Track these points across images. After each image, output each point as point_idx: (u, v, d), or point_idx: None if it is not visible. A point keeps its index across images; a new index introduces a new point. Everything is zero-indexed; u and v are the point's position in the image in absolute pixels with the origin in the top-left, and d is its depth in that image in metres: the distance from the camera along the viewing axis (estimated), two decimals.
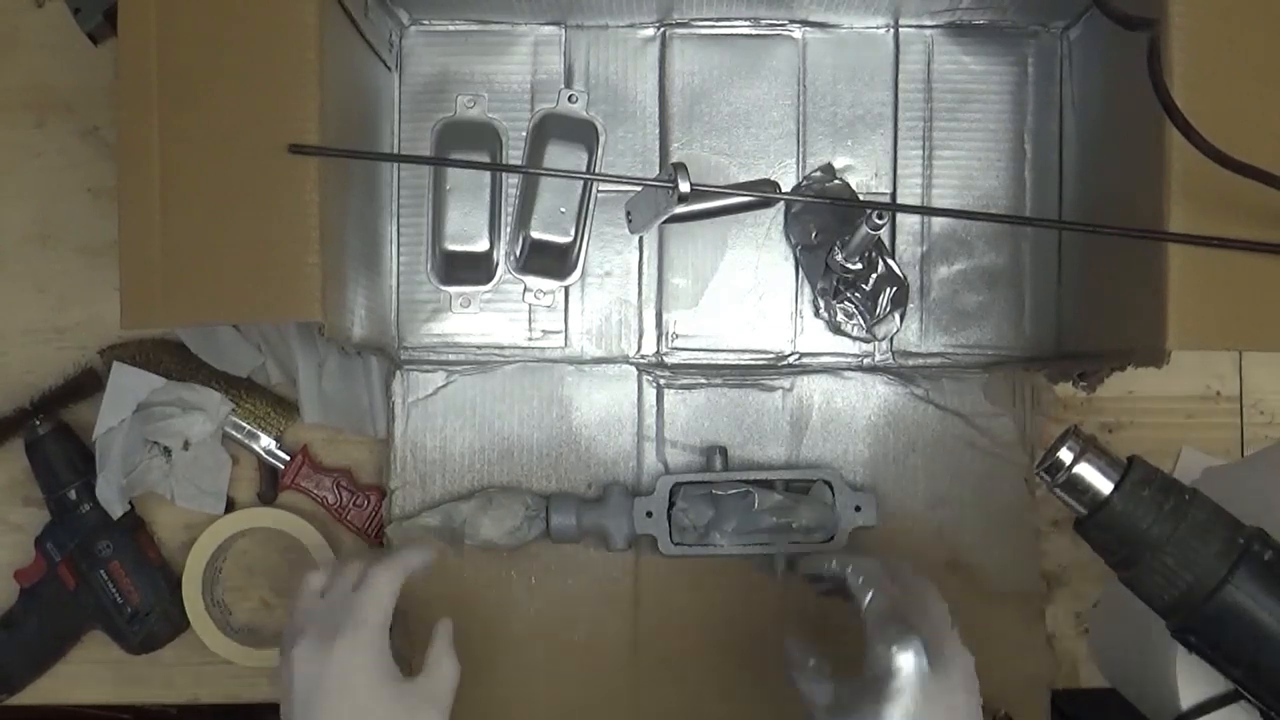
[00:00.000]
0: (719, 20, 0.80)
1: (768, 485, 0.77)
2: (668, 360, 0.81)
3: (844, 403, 0.80)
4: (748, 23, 0.80)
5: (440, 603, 0.76)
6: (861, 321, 0.79)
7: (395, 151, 0.80)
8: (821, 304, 0.80)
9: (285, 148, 0.61)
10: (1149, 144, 0.62)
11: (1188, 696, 0.65)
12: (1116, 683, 0.78)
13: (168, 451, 0.80)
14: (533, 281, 0.81)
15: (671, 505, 0.77)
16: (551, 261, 0.81)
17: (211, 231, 0.61)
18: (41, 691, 0.82)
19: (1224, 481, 0.73)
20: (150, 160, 0.61)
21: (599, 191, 0.80)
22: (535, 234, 0.80)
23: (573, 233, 0.80)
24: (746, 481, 0.77)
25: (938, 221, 0.81)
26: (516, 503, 0.76)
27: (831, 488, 0.77)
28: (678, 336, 0.81)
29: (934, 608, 0.62)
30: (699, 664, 0.79)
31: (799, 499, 0.77)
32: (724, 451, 0.78)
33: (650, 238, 0.80)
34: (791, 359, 0.81)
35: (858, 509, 0.77)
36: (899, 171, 0.81)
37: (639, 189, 0.78)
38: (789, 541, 0.76)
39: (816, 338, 0.81)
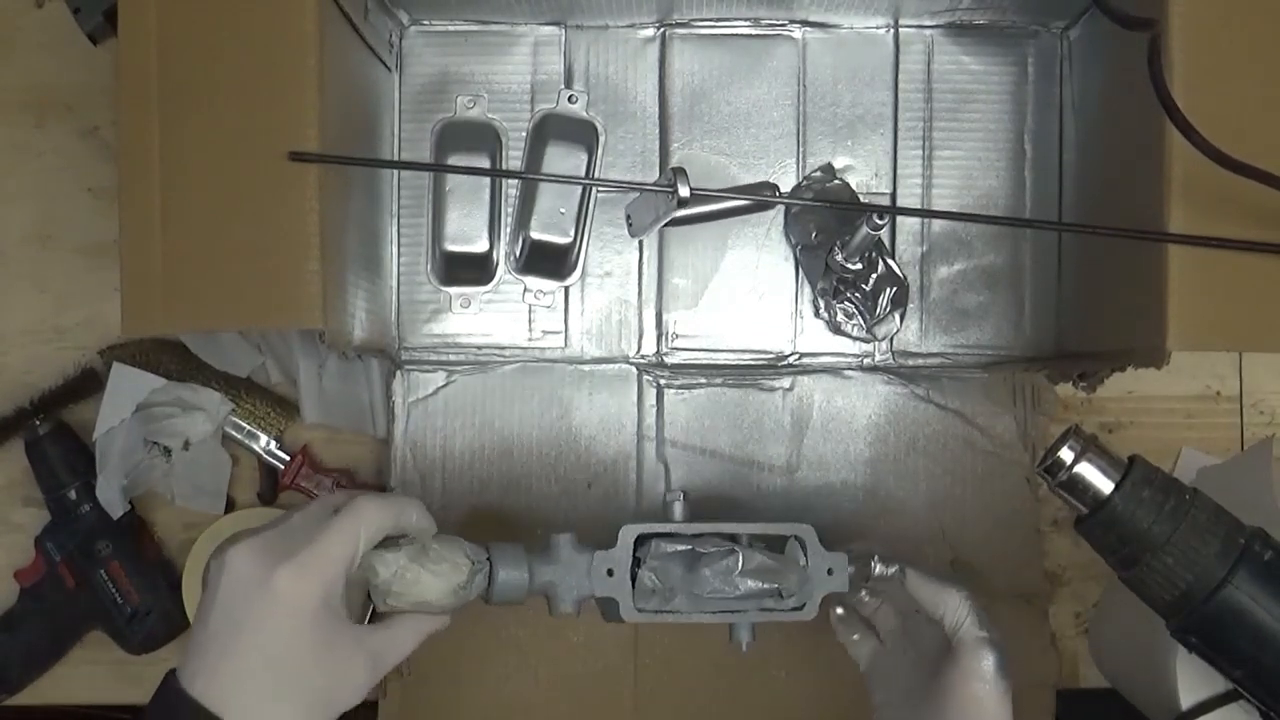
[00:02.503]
0: (719, 20, 0.80)
1: (736, 540, 0.66)
2: (668, 360, 0.81)
3: (844, 403, 0.80)
4: (748, 23, 0.80)
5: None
6: (861, 321, 0.79)
7: (396, 152, 0.80)
8: (821, 304, 0.80)
9: (285, 154, 0.61)
10: (1149, 144, 0.62)
11: (1188, 696, 0.65)
12: (1116, 683, 0.78)
13: (168, 451, 0.80)
14: (533, 282, 0.81)
15: (635, 561, 0.64)
16: (551, 262, 0.81)
17: (212, 238, 0.61)
18: (41, 691, 0.82)
19: (1219, 480, 0.73)
20: (151, 166, 0.61)
21: (599, 192, 0.80)
22: (535, 234, 0.80)
23: (572, 233, 0.80)
24: (724, 536, 0.66)
25: (938, 222, 0.81)
26: (457, 552, 0.61)
27: (804, 546, 0.66)
28: (678, 336, 0.81)
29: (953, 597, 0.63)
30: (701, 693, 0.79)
31: (782, 560, 0.66)
32: (685, 495, 0.67)
33: (650, 238, 0.80)
34: (791, 359, 0.81)
35: (830, 572, 0.66)
36: (899, 171, 0.81)
37: (639, 193, 0.78)
38: (759, 609, 0.65)
39: (816, 338, 0.81)
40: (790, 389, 0.80)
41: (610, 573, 0.63)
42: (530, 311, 0.81)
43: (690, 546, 0.65)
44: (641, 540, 0.64)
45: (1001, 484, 0.80)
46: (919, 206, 0.80)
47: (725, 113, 0.81)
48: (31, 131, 0.83)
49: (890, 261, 0.79)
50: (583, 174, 0.81)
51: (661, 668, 0.79)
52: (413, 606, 0.60)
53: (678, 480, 0.80)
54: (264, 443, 0.81)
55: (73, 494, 0.80)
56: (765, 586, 0.64)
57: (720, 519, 0.67)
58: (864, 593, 0.69)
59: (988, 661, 0.61)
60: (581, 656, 0.79)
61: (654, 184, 0.70)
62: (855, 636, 0.70)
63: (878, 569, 0.65)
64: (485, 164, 0.81)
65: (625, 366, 0.81)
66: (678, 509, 0.66)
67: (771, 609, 0.65)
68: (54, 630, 0.81)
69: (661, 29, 0.80)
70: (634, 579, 0.64)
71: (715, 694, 0.79)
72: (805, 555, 0.66)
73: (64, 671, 0.82)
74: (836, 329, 0.80)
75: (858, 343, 0.81)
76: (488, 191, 0.80)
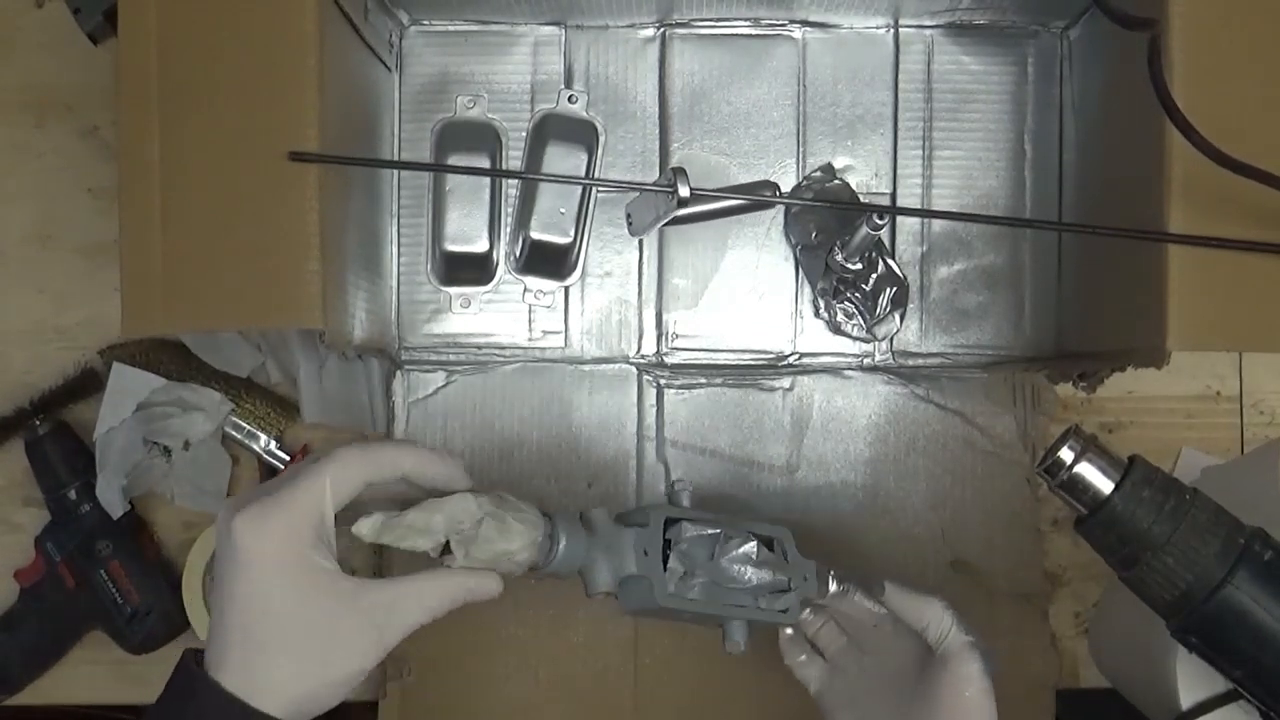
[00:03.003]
0: (719, 20, 0.80)
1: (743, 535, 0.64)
2: (668, 360, 0.81)
3: (844, 402, 0.80)
4: (748, 23, 0.80)
5: None
6: (861, 321, 0.79)
7: (396, 152, 0.80)
8: (821, 304, 0.80)
9: (285, 154, 0.61)
10: (1149, 144, 0.62)
11: (1188, 696, 0.65)
12: (1116, 683, 0.78)
13: (168, 451, 0.80)
14: (533, 282, 0.81)
15: (665, 544, 0.62)
16: (551, 262, 0.81)
17: (212, 238, 0.61)
18: (41, 691, 0.82)
19: (1222, 480, 0.73)
20: (151, 166, 0.61)
21: (599, 192, 0.80)
22: (535, 234, 0.80)
23: (572, 233, 0.80)
24: (754, 534, 0.64)
25: (938, 222, 0.81)
26: (531, 510, 0.58)
27: (785, 550, 0.65)
28: (678, 336, 0.81)
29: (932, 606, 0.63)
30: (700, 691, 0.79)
31: (780, 558, 0.65)
32: (692, 487, 0.66)
33: (650, 238, 0.80)
34: (791, 359, 0.81)
35: (805, 578, 0.65)
36: (899, 171, 0.81)
37: (639, 193, 0.78)
38: (755, 607, 0.63)
39: (816, 338, 0.81)
40: (790, 389, 0.80)
41: (646, 553, 0.60)
42: (530, 311, 0.81)
43: (718, 530, 0.63)
44: (669, 522, 0.62)
45: (1001, 484, 0.80)
46: (919, 206, 0.80)
47: (725, 113, 0.81)
48: (31, 131, 0.83)
49: (890, 261, 0.79)
50: (583, 174, 0.81)
51: (661, 668, 0.79)
52: (492, 559, 0.55)
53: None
54: (264, 443, 0.81)
55: (73, 494, 0.80)
56: (775, 578, 0.63)
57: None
58: (807, 611, 0.67)
59: (977, 665, 0.61)
60: (581, 656, 0.79)
61: (654, 184, 0.70)
62: (802, 658, 0.68)
63: (833, 586, 0.65)
64: (485, 164, 0.81)
65: (625, 366, 0.81)
66: (685, 498, 0.65)
67: (764, 609, 0.64)
68: (54, 630, 0.81)
69: (661, 29, 0.80)
70: (664, 560, 0.61)
71: (715, 694, 0.79)
72: (785, 556, 0.65)
73: (64, 671, 0.82)
74: (836, 329, 0.80)
75: (858, 343, 0.81)
76: (488, 191, 0.80)
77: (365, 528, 0.53)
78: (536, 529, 0.56)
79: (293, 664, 0.50)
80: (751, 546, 0.62)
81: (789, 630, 0.69)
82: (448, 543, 0.54)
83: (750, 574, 0.63)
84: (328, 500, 0.51)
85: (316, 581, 0.51)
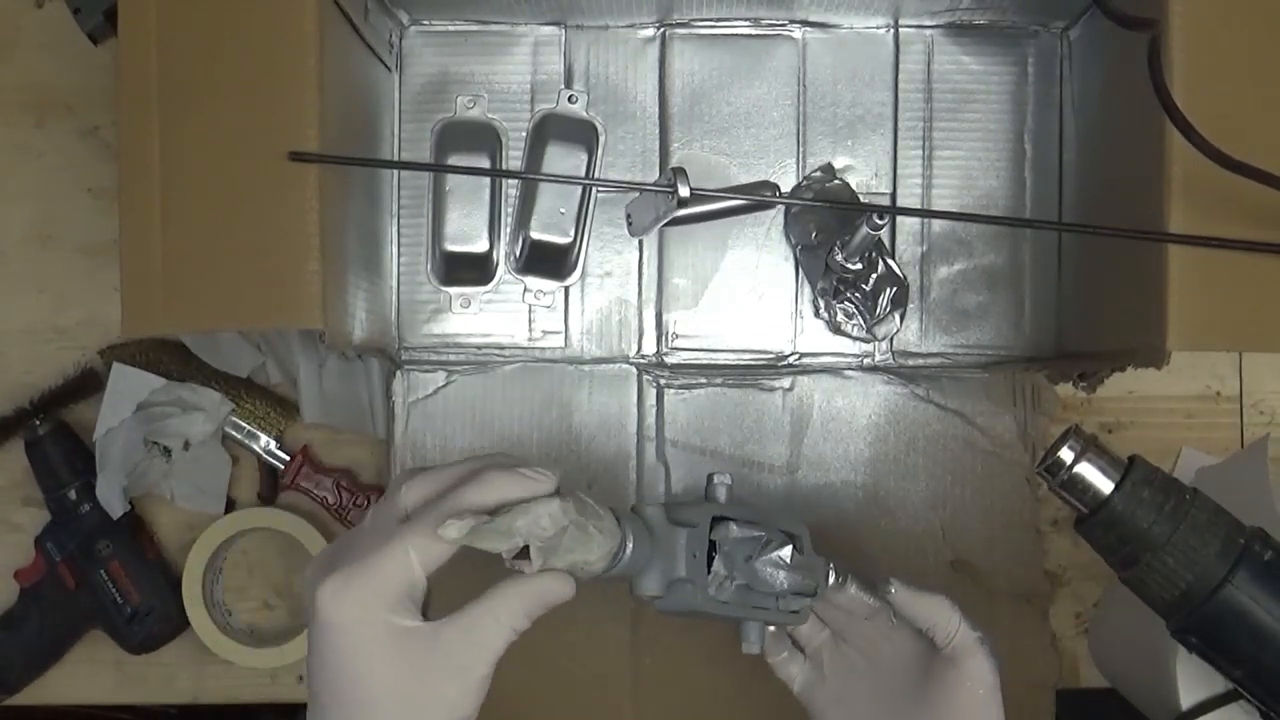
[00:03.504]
0: (719, 20, 0.80)
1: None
2: (668, 360, 0.81)
3: (844, 402, 0.80)
4: (748, 23, 0.80)
5: None
6: (861, 321, 0.79)
7: (396, 152, 0.80)
8: (821, 304, 0.80)
9: (285, 154, 0.61)
10: (1149, 144, 0.62)
11: (1188, 696, 0.65)
12: (1116, 683, 0.78)
13: (168, 451, 0.80)
14: (533, 282, 0.81)
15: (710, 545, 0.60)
16: (551, 262, 0.81)
17: (212, 238, 0.61)
18: (41, 691, 0.82)
19: (1217, 480, 0.73)
20: (151, 166, 0.61)
21: (599, 192, 0.80)
22: (535, 234, 0.80)
23: (572, 233, 0.80)
24: (787, 533, 0.62)
25: (938, 222, 0.81)
26: (609, 520, 0.55)
27: (803, 549, 0.63)
28: (678, 336, 0.81)
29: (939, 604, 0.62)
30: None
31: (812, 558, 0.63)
32: (730, 482, 0.63)
33: (650, 238, 0.80)
34: (791, 359, 0.81)
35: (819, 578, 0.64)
36: (899, 171, 0.81)
37: (639, 193, 0.78)
38: (778, 609, 0.62)
39: (816, 338, 0.81)
40: (790, 389, 0.80)
41: (695, 555, 0.58)
42: (530, 311, 0.81)
43: (761, 534, 0.60)
44: (713, 523, 0.60)
45: (1001, 484, 0.80)
46: (919, 206, 0.80)
47: (725, 113, 0.81)
48: (31, 131, 0.83)
49: (890, 261, 0.79)
50: (583, 174, 0.81)
51: (661, 668, 0.79)
52: (568, 568, 0.53)
53: (678, 480, 0.80)
54: (264, 443, 0.81)
55: (73, 494, 0.80)
56: (804, 582, 0.61)
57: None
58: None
59: (988, 662, 0.61)
60: (581, 657, 0.79)
61: (654, 184, 0.70)
62: (784, 654, 0.67)
63: (831, 578, 0.64)
64: (485, 164, 0.81)
65: (625, 366, 0.81)
66: (723, 492, 0.63)
67: (780, 611, 0.62)
68: (54, 630, 0.81)
69: (661, 29, 0.80)
70: (709, 561, 0.59)
71: (715, 694, 0.79)
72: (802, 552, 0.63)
73: (64, 671, 0.82)
74: (836, 329, 0.80)
75: (858, 343, 0.81)
76: (488, 191, 0.80)
77: (454, 530, 0.50)
78: (614, 538, 0.55)
79: None
80: (787, 550, 0.61)
81: (771, 627, 0.65)
82: (526, 547, 0.52)
83: (781, 577, 0.61)
84: (415, 569, 0.50)
85: (399, 643, 0.49)
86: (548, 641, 0.79)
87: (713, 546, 0.60)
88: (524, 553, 0.52)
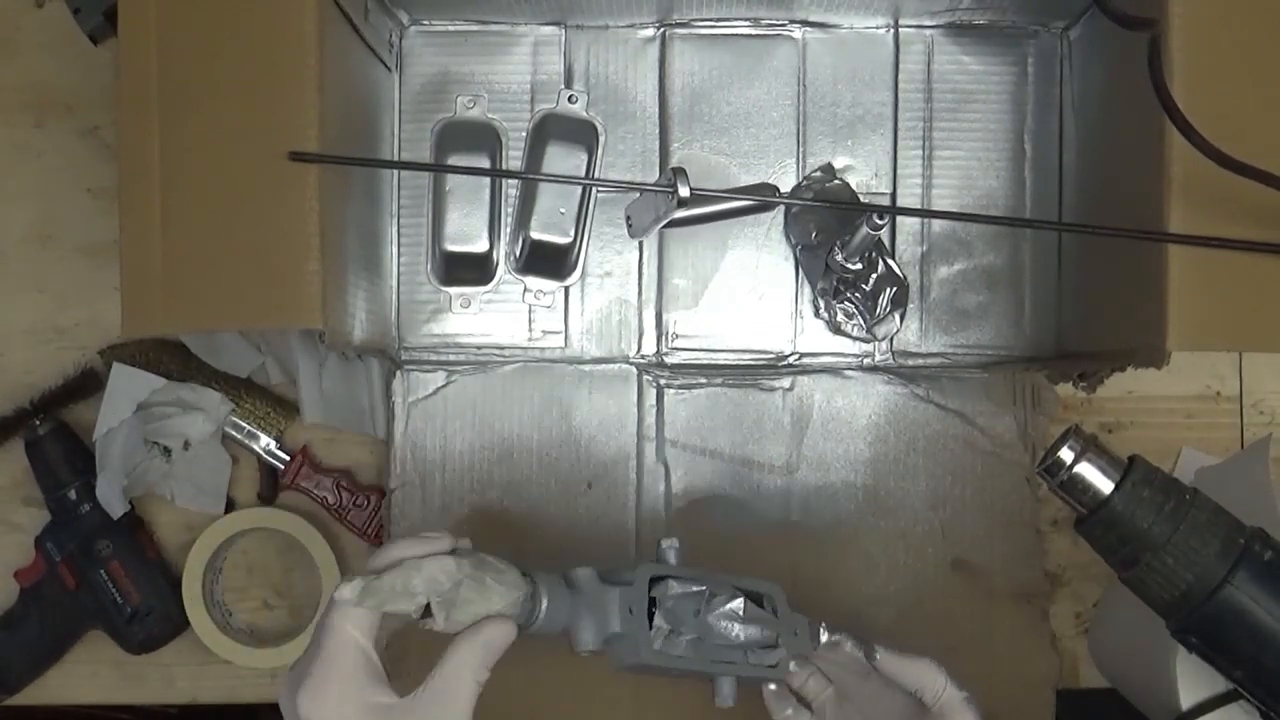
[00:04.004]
0: (719, 20, 0.80)
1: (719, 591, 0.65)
2: (668, 360, 0.81)
3: (844, 402, 0.80)
4: (748, 23, 0.80)
5: None
6: (861, 321, 0.79)
7: (396, 152, 0.80)
8: (821, 304, 0.80)
9: (285, 154, 0.61)
10: (1149, 144, 0.62)
11: (1188, 696, 0.65)
12: (1116, 683, 0.78)
13: (168, 451, 0.80)
14: (533, 282, 0.81)
15: (651, 602, 0.62)
16: (551, 262, 0.81)
17: (212, 238, 0.61)
18: (41, 691, 0.82)
19: (1217, 480, 0.73)
20: (151, 166, 0.61)
21: (599, 192, 0.80)
22: (535, 234, 0.80)
23: (572, 233, 0.80)
24: (743, 589, 0.65)
25: (938, 222, 0.81)
26: (512, 571, 0.58)
27: (774, 605, 0.66)
28: (678, 336, 0.81)
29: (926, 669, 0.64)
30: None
31: (776, 615, 0.66)
32: (678, 543, 0.65)
33: (650, 238, 0.80)
34: (791, 359, 0.81)
35: (795, 633, 0.65)
36: (899, 171, 0.81)
37: (639, 193, 0.78)
38: (746, 662, 0.64)
39: (816, 338, 0.81)
40: (790, 389, 0.80)
41: (631, 610, 0.61)
42: (530, 311, 0.81)
43: (703, 588, 0.63)
44: (654, 580, 0.63)
45: (1001, 484, 0.80)
46: (919, 206, 0.80)
47: (725, 113, 0.81)
48: (31, 131, 0.83)
49: (890, 261, 0.79)
50: (583, 174, 0.81)
51: (662, 691, 0.79)
52: (472, 620, 0.56)
53: (677, 480, 0.80)
54: (264, 443, 0.81)
55: (73, 494, 0.80)
56: (763, 634, 0.64)
57: (705, 565, 0.66)
58: (792, 664, 0.66)
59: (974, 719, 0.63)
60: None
61: (654, 184, 0.70)
62: (789, 712, 0.69)
63: (824, 636, 0.66)
64: (485, 164, 0.81)
65: (625, 366, 0.81)
66: (672, 555, 0.65)
67: (754, 664, 0.64)
68: (54, 630, 0.81)
69: (661, 29, 0.80)
70: (650, 618, 0.62)
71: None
72: (775, 612, 0.65)
73: (64, 671, 0.82)
74: (836, 329, 0.80)
75: (858, 343, 0.81)
76: (488, 191, 0.80)
77: (347, 591, 0.54)
78: (517, 589, 0.57)
79: None
80: (738, 603, 0.63)
81: (772, 685, 0.69)
82: (429, 605, 0.55)
83: (738, 630, 0.63)
84: (360, 641, 0.54)
85: (381, 711, 0.53)
86: (549, 642, 0.79)
87: (654, 604, 0.61)
88: (429, 611, 0.55)
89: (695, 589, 0.63)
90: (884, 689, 0.65)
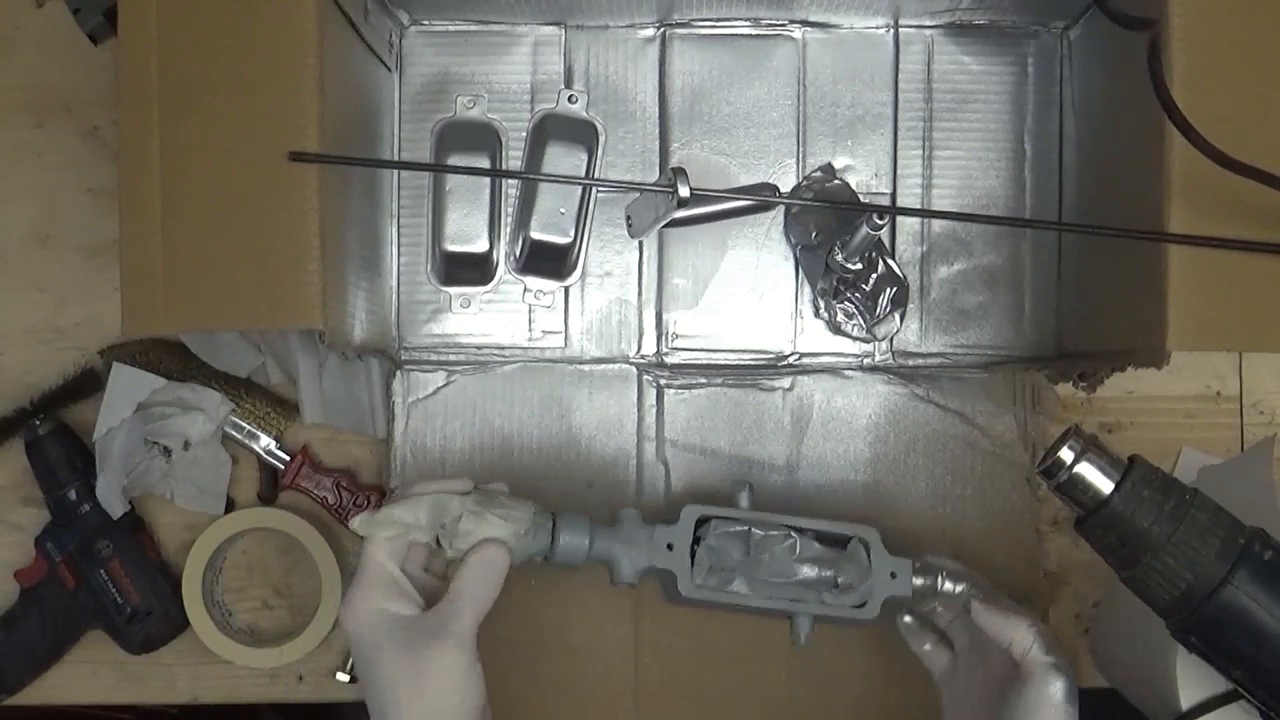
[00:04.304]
0: (719, 20, 0.80)
1: (800, 531, 0.67)
2: (668, 360, 0.81)
3: (844, 402, 0.80)
4: (748, 23, 0.80)
5: None
6: (861, 321, 0.79)
7: (396, 152, 0.80)
8: (821, 304, 0.80)
9: (285, 154, 0.61)
10: (1149, 144, 0.62)
11: (1188, 696, 0.65)
12: (1116, 683, 0.78)
13: (168, 451, 0.80)
14: (533, 282, 0.81)
15: (695, 541, 0.66)
16: (551, 262, 0.81)
17: (212, 238, 0.61)
18: (41, 691, 0.82)
19: (1219, 480, 0.73)
20: (151, 166, 0.61)
21: (599, 192, 0.80)
22: (535, 235, 0.80)
23: (572, 233, 0.80)
24: (787, 526, 0.67)
25: (938, 222, 0.81)
26: (523, 507, 0.64)
27: (868, 548, 0.67)
28: (678, 336, 0.81)
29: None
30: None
31: (839, 553, 0.67)
32: (751, 487, 0.70)
33: (650, 238, 0.80)
34: (791, 359, 0.81)
35: (893, 576, 0.67)
36: (899, 171, 0.81)
37: (639, 193, 0.78)
38: (820, 601, 0.66)
39: (816, 338, 0.81)
40: (790, 389, 0.80)
41: (670, 547, 0.65)
42: (530, 311, 0.81)
43: (749, 528, 0.65)
44: (702, 523, 0.66)
45: (1001, 484, 0.80)
46: (919, 206, 0.80)
47: (725, 113, 0.81)
48: (31, 131, 0.83)
49: (890, 261, 0.79)
50: (583, 174, 0.81)
51: (662, 669, 0.79)
52: (472, 547, 0.62)
53: (677, 480, 0.80)
54: (264, 443, 0.81)
55: (73, 494, 0.80)
56: (823, 575, 0.65)
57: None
58: (938, 605, 0.69)
59: (1057, 687, 0.62)
60: (581, 657, 0.79)
61: (654, 184, 0.70)
62: (927, 647, 0.71)
63: (945, 585, 0.67)
64: (485, 164, 0.81)
65: (625, 366, 0.81)
66: (744, 497, 0.68)
67: (831, 604, 0.66)
68: (54, 630, 0.81)
69: (661, 29, 0.80)
70: (694, 558, 0.65)
71: (716, 694, 0.79)
72: (869, 557, 0.67)
73: (64, 671, 0.82)
74: (836, 329, 0.80)
75: (858, 343, 0.81)
76: (488, 191, 0.80)
77: (357, 523, 0.62)
78: (520, 523, 0.63)
79: (415, 713, 0.59)
80: (791, 543, 0.65)
81: (908, 619, 0.71)
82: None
83: (794, 568, 0.65)
84: (386, 563, 0.62)
85: (399, 630, 0.60)
86: (550, 641, 0.79)
87: (698, 542, 0.65)
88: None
89: (739, 528, 0.66)
90: (993, 644, 0.66)
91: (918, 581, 0.67)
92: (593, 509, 0.79)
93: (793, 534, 0.65)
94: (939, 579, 0.67)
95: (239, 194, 0.61)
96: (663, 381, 0.80)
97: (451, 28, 0.80)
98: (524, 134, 0.80)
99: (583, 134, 0.81)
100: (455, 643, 0.59)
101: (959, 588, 0.67)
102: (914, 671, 0.73)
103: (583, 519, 0.65)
